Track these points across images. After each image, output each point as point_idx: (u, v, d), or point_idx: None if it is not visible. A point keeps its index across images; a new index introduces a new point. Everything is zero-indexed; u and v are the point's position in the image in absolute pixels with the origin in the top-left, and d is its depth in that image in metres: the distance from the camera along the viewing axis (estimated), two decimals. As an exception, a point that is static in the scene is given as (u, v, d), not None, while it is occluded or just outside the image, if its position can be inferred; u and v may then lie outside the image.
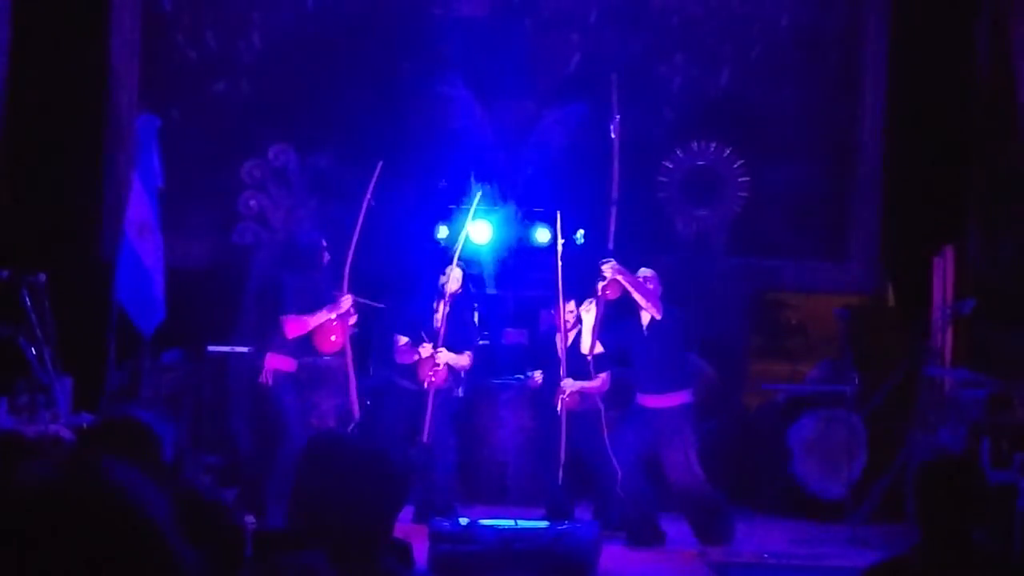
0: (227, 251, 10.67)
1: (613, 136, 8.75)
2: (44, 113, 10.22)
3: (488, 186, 10.36)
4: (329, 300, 8.46)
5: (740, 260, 11.07)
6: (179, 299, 9.31)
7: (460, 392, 9.40)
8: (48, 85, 10.24)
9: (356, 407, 8.60)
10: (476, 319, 9.96)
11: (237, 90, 11.08)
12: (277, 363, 8.41)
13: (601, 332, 8.36)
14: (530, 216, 10.59)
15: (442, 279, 8.84)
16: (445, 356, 8.74)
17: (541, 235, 10.49)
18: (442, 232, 10.46)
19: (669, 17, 11.26)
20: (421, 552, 6.67)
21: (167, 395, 9.49)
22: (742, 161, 11.16)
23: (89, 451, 3.73)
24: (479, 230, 10.04)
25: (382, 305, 8.94)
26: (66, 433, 7.50)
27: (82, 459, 1.46)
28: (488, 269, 10.42)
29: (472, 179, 10.46)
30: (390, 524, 3.06)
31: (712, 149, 11.21)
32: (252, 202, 10.66)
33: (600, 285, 8.22)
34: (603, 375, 8.60)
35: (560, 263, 8.51)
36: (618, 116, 8.60)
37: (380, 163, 8.86)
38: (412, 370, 8.78)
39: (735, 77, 11.26)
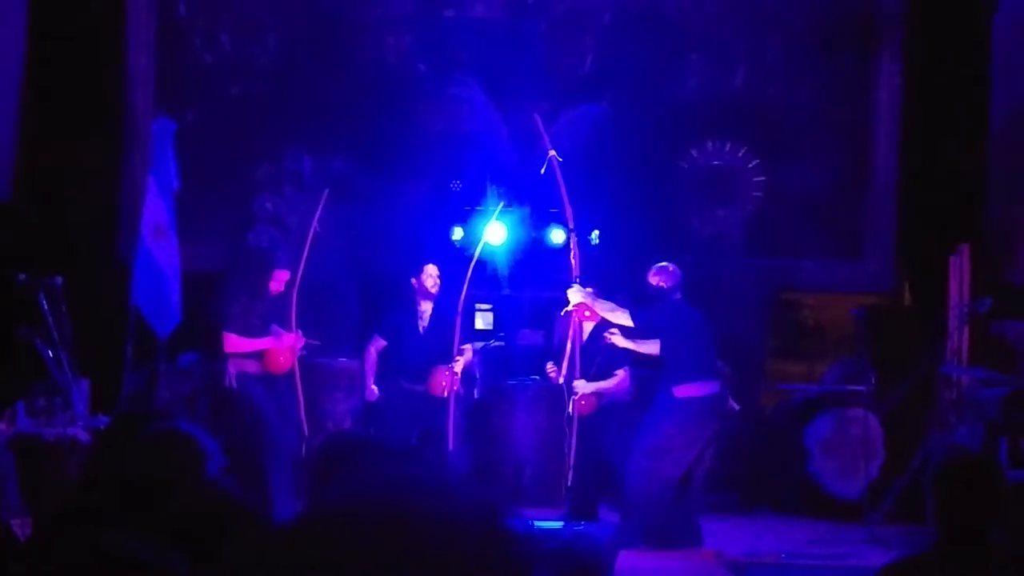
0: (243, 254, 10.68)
1: (543, 172, 8.75)
2: (61, 116, 10.26)
3: (502, 187, 10.37)
4: (269, 329, 8.61)
5: (756, 260, 11.05)
6: (195, 302, 9.33)
7: (476, 394, 9.42)
8: (65, 88, 10.28)
9: (305, 425, 8.67)
10: (486, 320, 10.02)
11: (253, 93, 11.09)
12: (240, 365, 8.52)
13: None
14: (545, 217, 10.59)
15: (415, 281, 8.92)
16: (462, 363, 8.80)
17: (556, 236, 10.49)
18: (457, 234, 10.48)
19: (683, 17, 11.24)
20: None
21: (184, 398, 9.51)
22: (757, 161, 11.14)
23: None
24: (494, 231, 10.05)
25: (317, 343, 9.05)
26: (83, 435, 7.53)
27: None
28: (503, 270, 10.42)
29: (487, 181, 10.47)
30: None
31: (727, 149, 11.19)
32: (268, 205, 10.68)
33: (566, 311, 8.34)
34: (620, 372, 8.63)
35: (574, 262, 8.54)
36: (552, 151, 8.63)
37: (326, 191, 8.94)
38: (418, 374, 8.82)
39: (750, 77, 11.23)
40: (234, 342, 8.51)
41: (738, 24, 11.25)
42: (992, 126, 10.56)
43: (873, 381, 9.20)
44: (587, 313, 8.39)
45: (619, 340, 8.45)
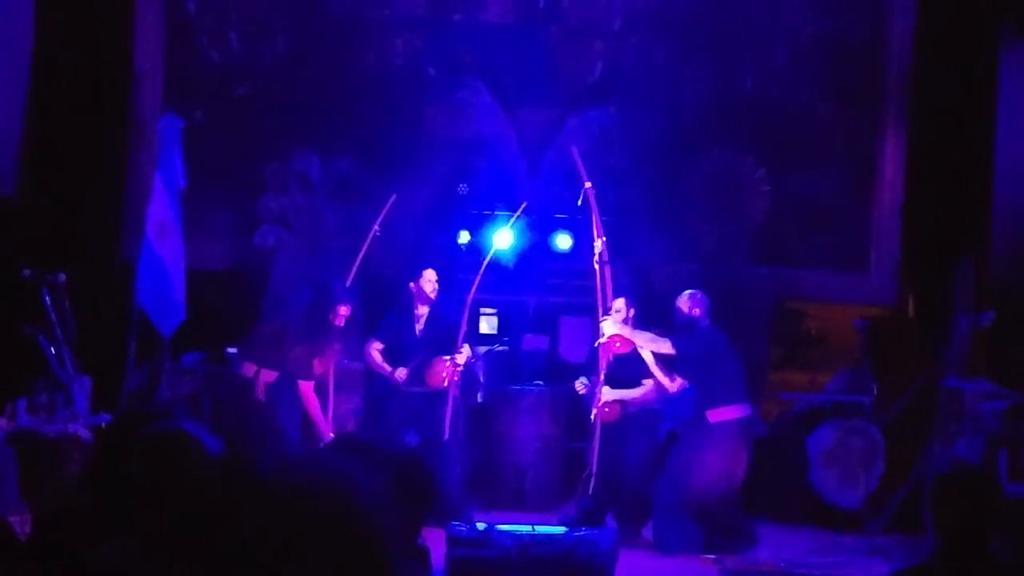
0: (248, 254, 10.70)
1: (579, 204, 8.78)
2: (68, 113, 10.27)
3: (517, 194, 10.38)
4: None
5: (761, 269, 11.05)
6: (199, 301, 9.34)
7: (479, 398, 9.41)
8: (72, 86, 10.29)
9: (333, 424, 8.77)
10: (491, 324, 10.02)
11: (260, 93, 11.10)
12: (268, 376, 8.58)
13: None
14: (551, 222, 10.58)
15: (413, 285, 8.92)
16: (462, 357, 8.79)
17: (562, 242, 10.49)
18: (463, 237, 10.48)
19: (692, 25, 11.25)
20: (438, 556, 6.67)
21: (186, 396, 9.52)
22: (764, 170, 11.13)
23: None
24: (500, 236, 10.06)
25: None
26: (85, 433, 7.53)
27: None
28: (508, 275, 10.42)
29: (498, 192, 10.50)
30: (416, 527, 3.08)
31: (734, 158, 11.18)
32: (274, 205, 10.70)
33: (599, 343, 8.36)
34: (648, 382, 8.59)
35: (600, 269, 8.55)
36: (588, 183, 8.66)
37: (393, 196, 9.02)
38: (414, 377, 8.83)
39: (758, 85, 11.23)
40: (309, 395, 8.65)
41: (746, 32, 11.26)
42: (998, 139, 10.55)
43: (875, 392, 9.21)
44: (617, 344, 8.42)
45: (647, 355, 8.48)
